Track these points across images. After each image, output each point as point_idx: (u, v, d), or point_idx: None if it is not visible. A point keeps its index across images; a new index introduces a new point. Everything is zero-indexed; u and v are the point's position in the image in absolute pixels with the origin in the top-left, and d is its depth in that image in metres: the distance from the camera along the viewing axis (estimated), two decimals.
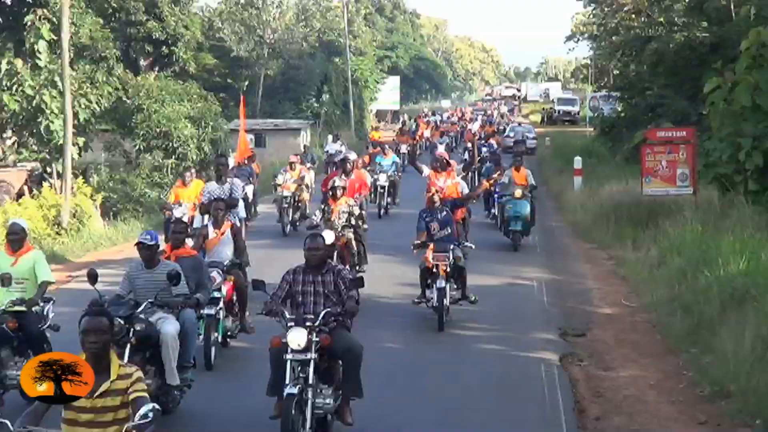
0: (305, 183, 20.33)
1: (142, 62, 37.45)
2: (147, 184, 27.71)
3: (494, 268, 14.87)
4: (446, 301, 11.00)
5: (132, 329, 7.55)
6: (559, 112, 67.34)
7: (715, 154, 20.22)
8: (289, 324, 7.23)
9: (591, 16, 71.26)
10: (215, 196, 12.29)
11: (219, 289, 9.96)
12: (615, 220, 17.71)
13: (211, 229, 10.83)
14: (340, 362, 7.38)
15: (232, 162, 20.14)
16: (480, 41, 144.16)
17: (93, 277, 7.94)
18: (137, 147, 28.70)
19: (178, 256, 9.12)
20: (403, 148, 32.61)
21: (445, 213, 11.78)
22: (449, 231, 11.64)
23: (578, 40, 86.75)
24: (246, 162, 21.28)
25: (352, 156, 16.71)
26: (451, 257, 11.21)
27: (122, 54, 33.72)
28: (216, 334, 9.80)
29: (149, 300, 7.99)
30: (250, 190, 19.47)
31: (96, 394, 5.17)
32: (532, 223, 17.33)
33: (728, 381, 8.45)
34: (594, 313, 11.95)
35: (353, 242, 12.86)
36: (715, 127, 21.19)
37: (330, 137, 35.80)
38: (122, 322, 7.50)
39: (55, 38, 25.86)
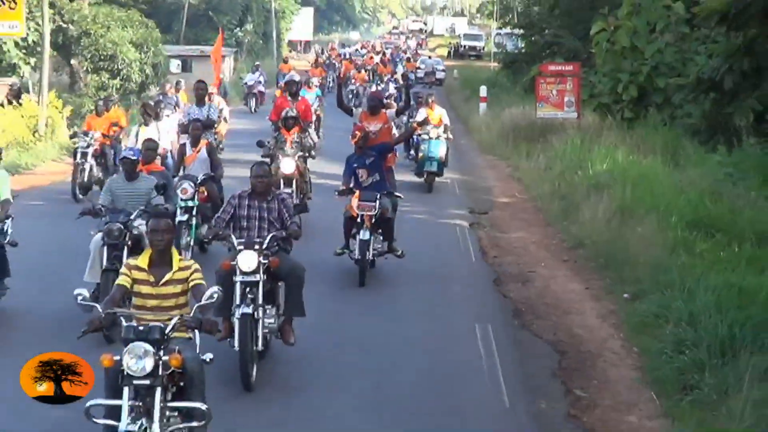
0: (223, 116, 20.54)
1: None
2: (93, 102, 30.38)
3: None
4: (370, 254, 10.41)
5: (129, 233, 8.68)
6: (465, 47, 70.59)
7: (599, 86, 24.46)
8: (238, 247, 7.60)
9: None
10: (194, 117, 13.49)
11: (192, 198, 11.01)
12: (513, 137, 21.72)
13: (188, 146, 11.90)
14: (282, 284, 7.83)
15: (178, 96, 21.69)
16: None
17: (94, 213, 9.10)
18: (84, 68, 31.21)
19: (149, 170, 10.05)
20: (316, 81, 32.72)
21: (373, 159, 10.88)
22: (378, 178, 10.85)
23: None
24: (169, 91, 21.33)
25: (297, 78, 16.97)
26: (377, 207, 10.47)
27: None
28: (189, 238, 10.85)
29: (140, 208, 8.92)
30: (175, 119, 19.26)
31: (161, 282, 6.01)
32: (446, 164, 17.46)
33: (584, 237, 12.52)
34: (495, 201, 15.98)
35: (306, 171, 13.40)
36: (599, 63, 25.38)
37: (251, 68, 37.74)
38: (121, 227, 8.64)
39: None
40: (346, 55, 48.35)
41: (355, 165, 10.90)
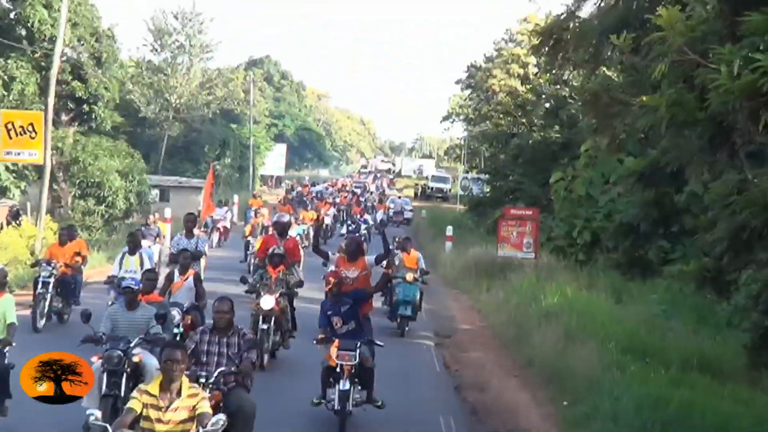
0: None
1: (64, 117, 42.21)
2: (80, 227, 32.50)
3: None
4: (349, 405, 10.06)
5: (128, 360, 9.18)
6: (432, 188, 74.24)
7: (556, 230, 27.20)
8: None
9: (467, 99, 78.64)
10: (183, 248, 14.49)
11: (178, 326, 11.70)
12: (476, 273, 24.14)
13: (176, 274, 12.82)
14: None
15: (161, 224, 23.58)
16: (358, 114, 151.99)
17: (86, 317, 9.69)
18: (72, 193, 33.53)
19: (149, 300, 10.64)
20: (285, 218, 33.30)
21: (348, 306, 10.74)
22: (354, 326, 10.69)
23: (453, 120, 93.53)
24: (153, 222, 22.94)
25: (287, 218, 17.28)
26: (357, 357, 10.19)
27: (45, 109, 38.66)
28: None
29: (140, 337, 9.43)
30: (156, 250, 19.79)
31: (169, 408, 6.33)
32: (419, 307, 17.57)
33: (533, 357, 14.74)
34: (457, 327, 18.24)
35: (288, 309, 13.66)
36: (557, 209, 28.21)
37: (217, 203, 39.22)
38: (121, 354, 9.11)
39: (5, 93, 31.26)
40: (318, 194, 50.22)
41: (330, 312, 10.73)
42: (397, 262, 17.45)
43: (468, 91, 69.86)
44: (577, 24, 8.95)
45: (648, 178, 9.05)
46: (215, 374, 8.00)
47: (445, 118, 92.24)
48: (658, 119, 6.38)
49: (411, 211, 51.30)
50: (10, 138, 19.87)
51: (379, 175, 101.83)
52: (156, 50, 53.52)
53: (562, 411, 11.80)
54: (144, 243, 16.05)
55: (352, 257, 12.19)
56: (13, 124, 19.88)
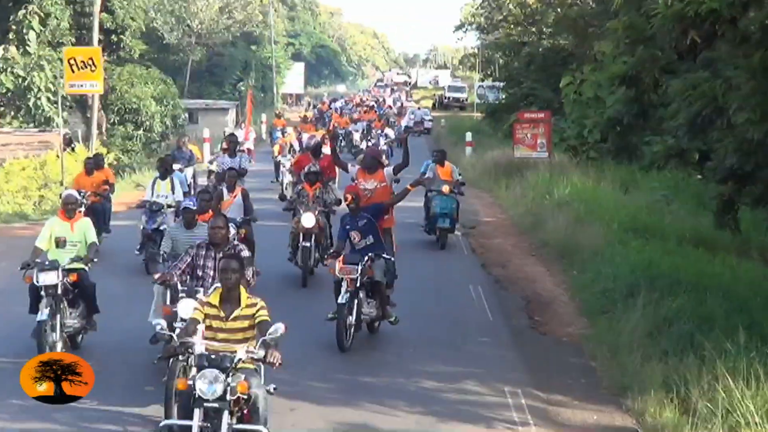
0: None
1: None
2: (120, 151, 34.78)
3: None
4: (352, 319, 10.20)
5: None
6: (449, 98, 75.79)
7: (568, 131, 29.20)
8: (180, 295, 8.31)
9: (479, 8, 79.28)
10: (228, 167, 15.01)
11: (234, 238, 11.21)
12: (494, 174, 26.34)
13: (225, 192, 13.26)
14: None
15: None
16: (371, 28, 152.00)
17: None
18: (111, 121, 35.73)
19: (205, 220, 10.70)
20: (306, 138, 29.52)
21: (366, 221, 10.80)
22: (372, 240, 10.76)
23: (466, 30, 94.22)
24: (184, 144, 22.33)
25: (318, 137, 18.28)
26: (358, 270, 10.23)
27: (76, 41, 40.45)
28: None
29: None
30: (189, 172, 20.12)
31: (230, 318, 6.53)
32: (458, 219, 17.77)
33: (549, 239, 17.04)
34: (480, 220, 20.55)
35: (327, 226, 13.99)
36: (568, 111, 30.14)
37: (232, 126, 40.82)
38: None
39: (42, 28, 33.19)
40: (337, 110, 51.22)
41: (348, 227, 10.81)
42: (432, 175, 17.27)
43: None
44: None
45: (630, 79, 11.17)
46: (212, 288, 7.83)
47: (458, 28, 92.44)
48: (617, 39, 8.57)
49: (431, 120, 53.29)
50: (73, 72, 21.93)
51: (395, 88, 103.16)
52: None
53: (572, 279, 14.14)
54: (175, 166, 16.26)
55: (370, 169, 12.35)
56: (75, 59, 21.94)
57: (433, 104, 78.78)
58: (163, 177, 15.04)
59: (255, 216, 13.28)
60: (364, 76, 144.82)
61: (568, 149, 28.28)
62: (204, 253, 8.64)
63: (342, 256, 10.44)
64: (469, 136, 33.38)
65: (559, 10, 34.01)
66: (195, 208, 10.48)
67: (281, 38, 67.34)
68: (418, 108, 60.02)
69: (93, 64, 21.81)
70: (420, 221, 17.92)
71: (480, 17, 79.21)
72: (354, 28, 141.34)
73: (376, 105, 57.18)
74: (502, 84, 43.91)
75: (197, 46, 54.60)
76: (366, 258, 10.39)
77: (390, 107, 62.18)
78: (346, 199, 10.95)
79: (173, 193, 14.73)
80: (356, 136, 34.74)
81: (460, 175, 18.09)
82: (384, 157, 24.05)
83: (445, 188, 17.13)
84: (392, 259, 10.91)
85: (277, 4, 78.06)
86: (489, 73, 55.89)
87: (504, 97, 42.07)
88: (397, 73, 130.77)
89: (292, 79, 72.56)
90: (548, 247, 16.73)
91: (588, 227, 16.76)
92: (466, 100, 74.58)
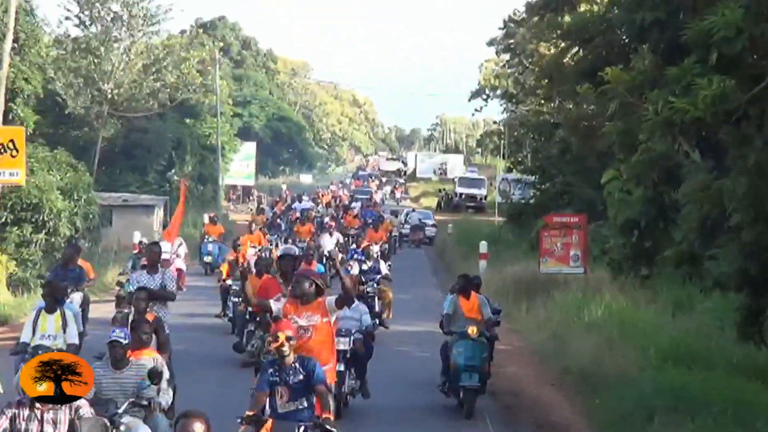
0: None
1: None
2: (14, 261, 37.83)
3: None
4: None
5: (116, 430, 10.89)
6: (460, 195, 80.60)
7: (612, 241, 33.55)
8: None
9: (505, 67, 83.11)
10: (141, 285, 16.18)
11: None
12: (514, 294, 30.90)
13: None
14: None
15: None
16: (349, 91, 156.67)
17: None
18: (3, 220, 39.00)
19: (139, 356, 12.30)
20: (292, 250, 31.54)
21: (301, 378, 11.27)
22: (304, 405, 11.28)
23: (488, 97, 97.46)
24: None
25: (295, 250, 18.28)
26: None
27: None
28: None
29: (130, 400, 11.37)
30: (77, 298, 20.24)
31: None
32: (488, 374, 18.67)
33: (572, 366, 21.53)
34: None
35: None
36: (613, 215, 34.62)
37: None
38: (107, 422, 10.52)
39: None
40: (301, 212, 51.96)
41: (274, 379, 11.26)
42: (451, 311, 18.44)
43: (506, 56, 74.86)
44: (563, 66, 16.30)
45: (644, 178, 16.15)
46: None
47: (476, 94, 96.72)
48: (611, 143, 13.48)
49: (433, 226, 58.23)
50: None
51: (384, 179, 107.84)
52: (84, 24, 59.19)
53: (592, 406, 18.54)
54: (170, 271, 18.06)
55: (304, 299, 13.28)
56: None
57: (438, 203, 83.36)
58: (50, 309, 15.41)
59: (169, 352, 14.90)
60: (339, 161, 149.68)
61: (611, 263, 32.33)
62: (27, 413, 9.63)
63: (270, 423, 11.11)
64: (483, 246, 38.24)
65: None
66: (126, 342, 11.75)
67: (225, 107, 72.27)
68: (414, 209, 64.41)
69: (14, 147, 26.13)
70: (434, 376, 19.32)
71: (506, 79, 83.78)
72: (325, 91, 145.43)
73: (358, 204, 61.08)
74: (532, 177, 48.69)
75: (111, 117, 58.83)
76: (299, 430, 11.02)
77: (376, 204, 66.59)
78: (271, 343, 11.53)
79: (64, 332, 15.13)
80: (328, 249, 37.13)
81: (496, 312, 19.98)
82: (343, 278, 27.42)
83: (472, 329, 17.90)
84: None
85: (220, 57, 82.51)
86: (519, 160, 59.46)
87: (533, 194, 46.98)
88: (387, 158, 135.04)
89: (239, 165, 77.25)
90: (571, 375, 21.17)
91: (620, 353, 21.21)
92: (485, 198, 79.39)
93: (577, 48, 18.66)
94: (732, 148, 13.64)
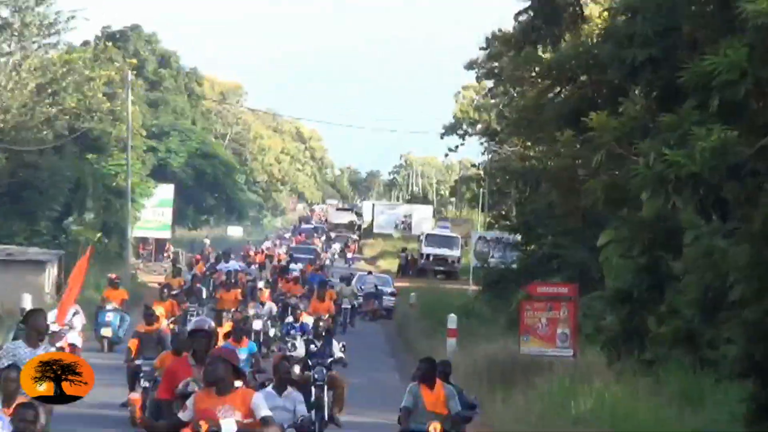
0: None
1: None
2: None
3: None
4: None
5: None
6: (428, 257, 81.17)
7: (609, 318, 34.21)
8: None
9: (486, 95, 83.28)
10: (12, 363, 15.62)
11: None
12: (488, 380, 31.42)
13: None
14: None
15: None
16: (292, 122, 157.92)
17: None
18: None
19: None
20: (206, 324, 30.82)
21: None
22: None
23: (465, 134, 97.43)
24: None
25: (208, 324, 17.54)
26: None
27: None
28: None
29: None
30: None
31: None
32: None
33: None
34: None
35: None
36: (609, 284, 35.38)
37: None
38: None
39: None
40: (228, 274, 51.64)
41: None
42: (410, 403, 18.63)
43: (489, 82, 74.80)
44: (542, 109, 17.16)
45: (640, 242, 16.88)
46: None
47: (451, 130, 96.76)
48: (596, 200, 14.45)
49: (392, 295, 58.71)
50: None
51: (333, 234, 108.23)
52: None
53: None
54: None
55: (219, 386, 13.35)
56: None
57: (400, 267, 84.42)
58: (30, 342, 16.67)
59: None
60: (277, 210, 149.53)
61: (605, 345, 32.94)
62: None
63: None
64: (452, 321, 38.96)
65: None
66: None
67: (137, 140, 72.41)
68: (369, 272, 64.74)
69: None
70: None
71: (488, 112, 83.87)
72: (262, 121, 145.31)
73: (298, 266, 60.91)
74: (514, 236, 49.54)
75: None
76: None
77: (322, 266, 66.92)
78: None
79: None
80: (256, 326, 37.08)
81: (470, 408, 20.54)
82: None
83: (434, 427, 18.17)
84: None
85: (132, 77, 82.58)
86: (502, 213, 59.80)
87: (516, 258, 47.87)
88: (338, 208, 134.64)
89: (152, 213, 77.81)
90: None
91: None
92: (458, 261, 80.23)
93: (558, 88, 19.04)
94: (734, 208, 14.46)
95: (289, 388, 18.73)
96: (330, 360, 27.26)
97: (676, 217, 16.27)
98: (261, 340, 35.30)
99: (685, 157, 12.98)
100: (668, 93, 15.81)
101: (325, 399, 25.67)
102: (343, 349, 28.53)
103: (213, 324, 18.00)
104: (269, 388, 18.90)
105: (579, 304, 32.38)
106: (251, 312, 39.43)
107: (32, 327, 17.89)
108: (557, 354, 31.23)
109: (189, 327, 18.01)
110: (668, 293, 20.40)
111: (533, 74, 28.41)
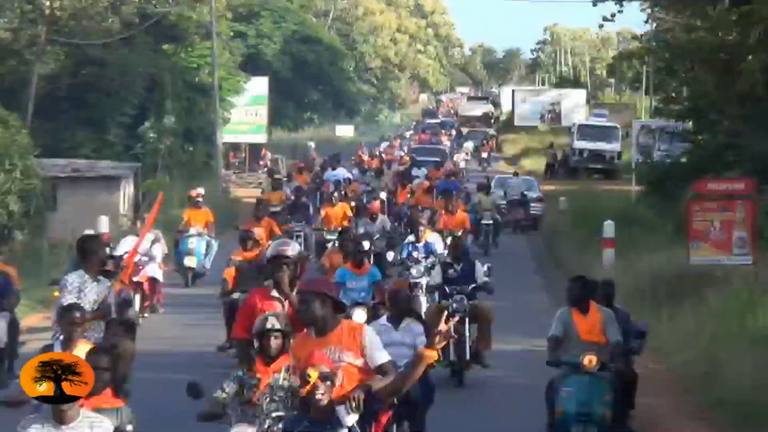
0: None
1: None
2: None
3: None
4: None
5: None
6: (582, 152, 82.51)
7: None
8: None
9: None
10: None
11: None
12: (652, 296, 32.43)
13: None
14: None
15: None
16: None
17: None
18: None
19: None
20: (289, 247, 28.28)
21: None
22: None
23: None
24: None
25: (290, 248, 17.78)
26: None
27: None
28: None
29: None
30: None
31: None
32: (616, 425, 19.42)
33: (728, 395, 23.75)
34: None
35: None
36: None
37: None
38: None
39: None
40: (335, 184, 53.07)
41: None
42: (559, 333, 19.48)
43: None
44: None
45: None
46: None
47: None
48: (754, 82, 15.64)
49: (540, 201, 59.80)
50: None
51: (465, 129, 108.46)
52: None
53: None
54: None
55: (318, 327, 13.78)
56: None
57: (547, 166, 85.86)
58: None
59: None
60: (396, 103, 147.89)
61: None
62: None
63: None
64: (609, 228, 40.22)
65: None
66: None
67: (222, 25, 72.37)
68: (516, 174, 65.14)
69: None
70: (538, 423, 20.27)
71: None
72: None
73: (422, 171, 60.80)
74: (682, 125, 49.92)
75: (51, 45, 60.59)
76: None
77: (457, 171, 67.00)
78: (299, 386, 12.86)
79: None
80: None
81: (638, 335, 21.02)
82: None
83: (589, 360, 18.54)
84: None
85: None
86: (672, 95, 59.26)
87: (685, 150, 48.52)
88: (470, 97, 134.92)
89: (244, 113, 78.85)
90: (725, 406, 23.32)
91: None
92: (619, 156, 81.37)
93: None
94: None
95: (407, 320, 19.86)
96: (472, 286, 27.34)
97: None
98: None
99: None
100: None
101: (467, 334, 25.98)
102: (488, 273, 28.40)
103: (299, 248, 18.65)
104: (383, 319, 20.18)
105: (759, 203, 32.78)
106: (360, 230, 39.06)
107: (85, 255, 19.09)
108: (734, 262, 31.92)
109: (268, 252, 17.81)
110: None
111: None
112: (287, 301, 16.20)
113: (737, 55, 22.06)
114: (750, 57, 18.85)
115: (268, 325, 14.88)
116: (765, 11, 15.88)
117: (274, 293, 16.39)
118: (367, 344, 13.55)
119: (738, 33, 22.25)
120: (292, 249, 17.22)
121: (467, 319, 25.88)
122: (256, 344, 15.20)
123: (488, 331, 26.89)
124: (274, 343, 14.90)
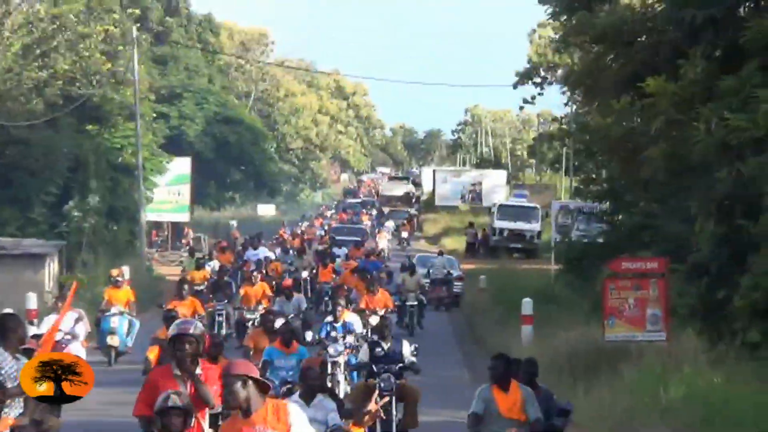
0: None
1: None
2: None
3: None
4: None
5: None
6: (502, 232, 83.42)
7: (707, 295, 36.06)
8: None
9: (566, 31, 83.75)
10: None
11: None
12: (568, 370, 33.63)
13: None
14: None
15: None
16: (332, 74, 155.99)
17: None
18: None
19: None
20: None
21: None
22: None
23: (544, 81, 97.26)
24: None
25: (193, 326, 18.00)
26: None
27: None
28: None
29: None
30: None
31: None
32: None
33: None
34: None
35: None
36: (704, 255, 37.25)
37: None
38: None
39: None
40: (257, 263, 54.49)
41: None
42: (480, 410, 19.99)
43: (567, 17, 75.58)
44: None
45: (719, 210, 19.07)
46: None
47: (525, 77, 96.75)
48: (656, 168, 16.95)
49: (460, 279, 61.25)
50: None
51: (386, 209, 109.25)
52: None
53: None
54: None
55: (243, 408, 14.01)
56: None
57: (468, 245, 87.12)
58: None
59: None
60: (317, 182, 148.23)
61: (706, 327, 34.60)
62: None
63: None
64: (527, 305, 41.18)
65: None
66: None
67: (145, 107, 72.25)
68: (440, 253, 66.05)
69: None
70: None
71: (571, 53, 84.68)
72: (295, 76, 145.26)
73: (342, 251, 61.81)
74: (601, 205, 51.28)
75: None
76: None
77: (378, 250, 67.82)
78: None
79: None
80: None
81: (562, 413, 22.08)
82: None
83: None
84: None
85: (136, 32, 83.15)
86: (592, 177, 60.16)
87: (602, 231, 49.85)
88: (391, 177, 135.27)
89: (167, 193, 79.85)
90: None
91: None
92: (538, 237, 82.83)
93: (614, 53, 21.28)
94: None
95: (319, 396, 20.26)
96: (400, 366, 27.81)
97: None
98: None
99: (748, 122, 15.06)
100: (729, 55, 17.96)
101: (394, 412, 26.38)
102: (415, 353, 28.92)
103: (201, 326, 18.30)
104: (295, 396, 20.48)
105: (670, 281, 33.66)
106: (275, 308, 39.21)
107: (9, 331, 18.85)
108: (648, 338, 32.99)
109: (170, 331, 17.97)
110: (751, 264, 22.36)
111: (586, 40, 30.74)
112: (189, 380, 16.72)
113: (641, 143, 23.79)
114: (651, 147, 20.40)
115: (170, 403, 15.24)
116: (665, 104, 17.26)
117: (177, 371, 16.87)
118: (293, 422, 14.00)
119: (641, 123, 24.19)
120: (195, 327, 17.52)
121: (394, 398, 26.16)
122: (157, 422, 15.49)
123: (415, 410, 27.33)
124: (176, 420, 15.26)
